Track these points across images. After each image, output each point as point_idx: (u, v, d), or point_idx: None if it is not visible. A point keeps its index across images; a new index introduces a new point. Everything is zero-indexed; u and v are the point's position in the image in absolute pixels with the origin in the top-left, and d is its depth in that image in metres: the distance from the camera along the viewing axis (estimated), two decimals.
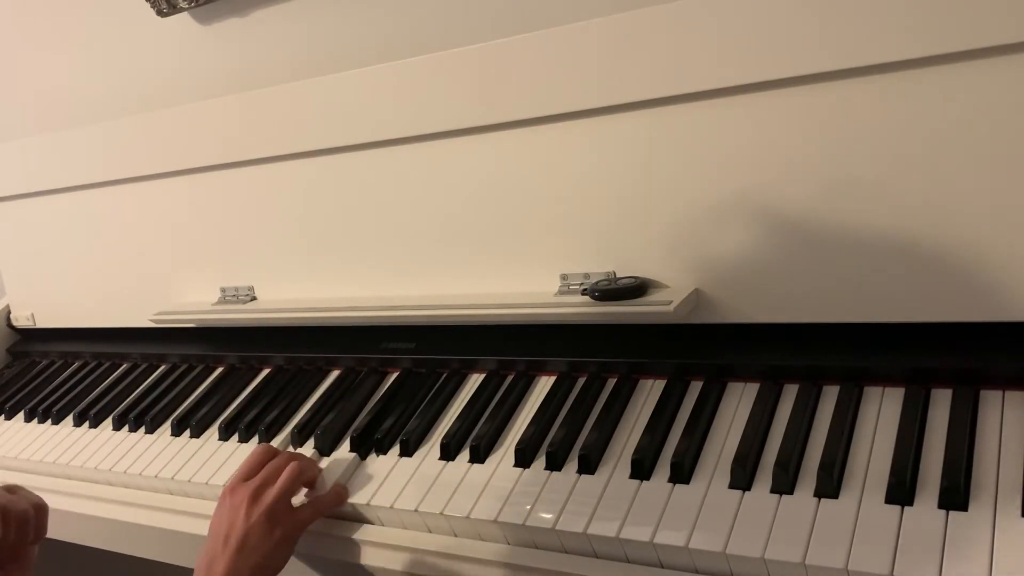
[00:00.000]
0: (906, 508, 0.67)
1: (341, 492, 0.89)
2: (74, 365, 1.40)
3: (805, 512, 0.70)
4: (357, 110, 1.05)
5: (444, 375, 1.03)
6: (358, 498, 0.89)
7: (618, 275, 0.93)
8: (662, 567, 0.73)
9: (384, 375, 1.08)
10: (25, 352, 1.50)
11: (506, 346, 1.00)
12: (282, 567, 0.84)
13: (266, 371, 1.18)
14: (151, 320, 1.24)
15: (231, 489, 0.87)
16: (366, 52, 1.12)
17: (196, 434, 1.09)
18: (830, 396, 0.80)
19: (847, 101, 0.78)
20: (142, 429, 1.15)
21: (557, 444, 0.84)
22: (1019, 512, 0.64)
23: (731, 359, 0.87)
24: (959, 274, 0.76)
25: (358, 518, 0.90)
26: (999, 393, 0.74)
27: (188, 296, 1.27)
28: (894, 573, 0.63)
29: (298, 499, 0.90)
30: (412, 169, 1.04)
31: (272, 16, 1.19)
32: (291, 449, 1.01)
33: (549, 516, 0.78)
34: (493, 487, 0.84)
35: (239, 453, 1.02)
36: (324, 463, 0.94)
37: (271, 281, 1.19)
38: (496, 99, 0.95)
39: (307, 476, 0.90)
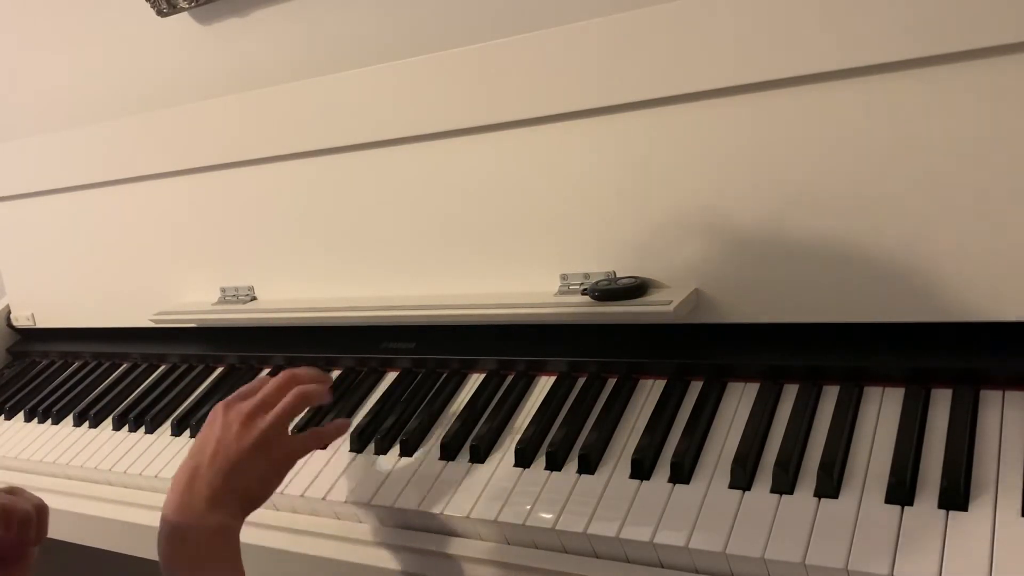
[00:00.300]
0: (906, 508, 0.67)
1: (341, 425, 0.85)
2: (74, 365, 1.40)
3: (805, 512, 0.70)
4: (357, 110, 1.05)
5: (444, 375, 1.03)
6: (358, 498, 0.89)
7: (618, 275, 0.93)
8: (662, 567, 0.73)
9: (384, 375, 1.08)
10: (25, 352, 1.50)
11: (506, 346, 1.00)
12: (266, 497, 0.80)
13: (266, 371, 1.18)
14: (151, 320, 1.25)
15: (226, 404, 0.82)
16: (366, 52, 1.12)
17: (196, 434, 1.09)
18: (830, 396, 0.80)
19: (847, 101, 0.78)
20: (142, 429, 1.15)
21: (557, 444, 0.84)
22: (1019, 512, 0.64)
23: (731, 359, 0.87)
24: (959, 274, 0.76)
25: (358, 518, 0.90)
26: (999, 393, 0.74)
27: (188, 296, 1.27)
28: (894, 573, 0.63)
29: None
30: (412, 169, 1.04)
31: (272, 16, 1.19)
32: None
33: (549, 516, 0.78)
34: (493, 487, 0.84)
35: None
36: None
37: (271, 281, 1.19)
38: (496, 99, 0.95)
39: (311, 403, 0.85)
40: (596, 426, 0.85)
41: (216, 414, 0.82)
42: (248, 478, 0.78)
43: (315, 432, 0.84)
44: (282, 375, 0.85)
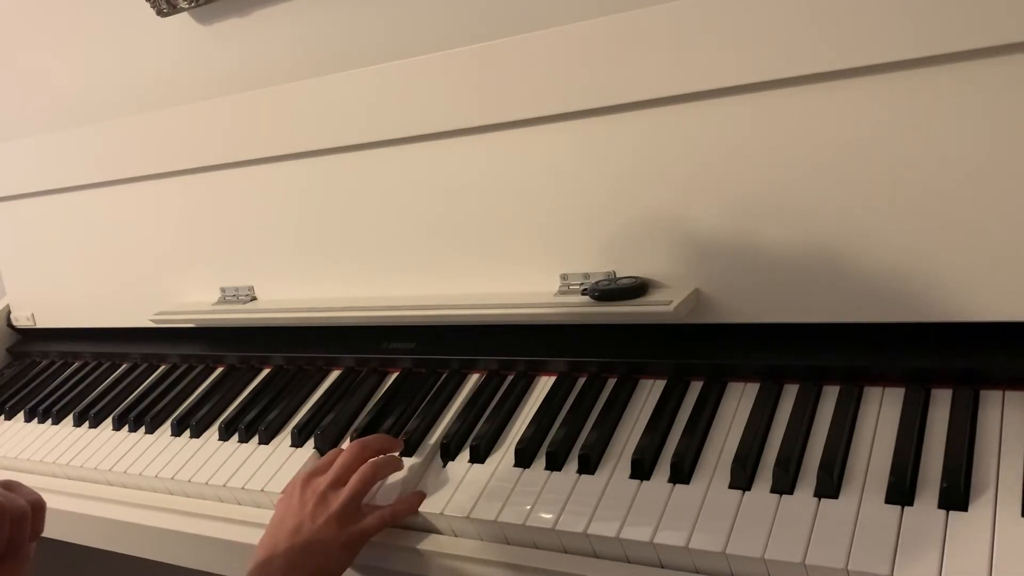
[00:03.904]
0: (906, 508, 0.67)
1: (414, 500, 0.85)
2: (74, 365, 1.40)
3: (805, 512, 0.70)
4: (357, 110, 1.05)
5: (444, 375, 1.03)
6: None
7: (618, 275, 0.93)
8: (662, 567, 0.73)
9: (384, 375, 1.08)
10: (25, 352, 1.50)
11: (506, 346, 1.00)
12: (340, 573, 0.82)
13: (266, 371, 1.18)
14: (151, 320, 1.25)
15: (303, 481, 0.85)
16: (366, 52, 1.12)
17: (196, 434, 1.09)
18: (830, 396, 0.80)
19: (847, 101, 0.78)
20: (142, 429, 1.15)
21: (557, 444, 0.84)
22: (1019, 512, 0.64)
23: (731, 359, 0.87)
24: (959, 274, 0.76)
25: None
26: (999, 393, 0.74)
27: (188, 296, 1.27)
28: (894, 573, 0.63)
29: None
30: (412, 169, 1.04)
31: (272, 16, 1.19)
32: (295, 450, 1.01)
33: (549, 516, 0.78)
34: (493, 487, 0.84)
35: (239, 453, 1.02)
36: None
37: (271, 281, 1.19)
38: (496, 99, 0.95)
39: (382, 476, 0.88)
40: (596, 426, 0.85)
41: (294, 489, 0.86)
42: (323, 555, 0.80)
43: (389, 509, 0.85)
44: (354, 446, 0.88)
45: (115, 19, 1.32)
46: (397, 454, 0.91)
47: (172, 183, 1.24)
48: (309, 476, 0.86)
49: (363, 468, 0.86)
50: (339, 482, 0.85)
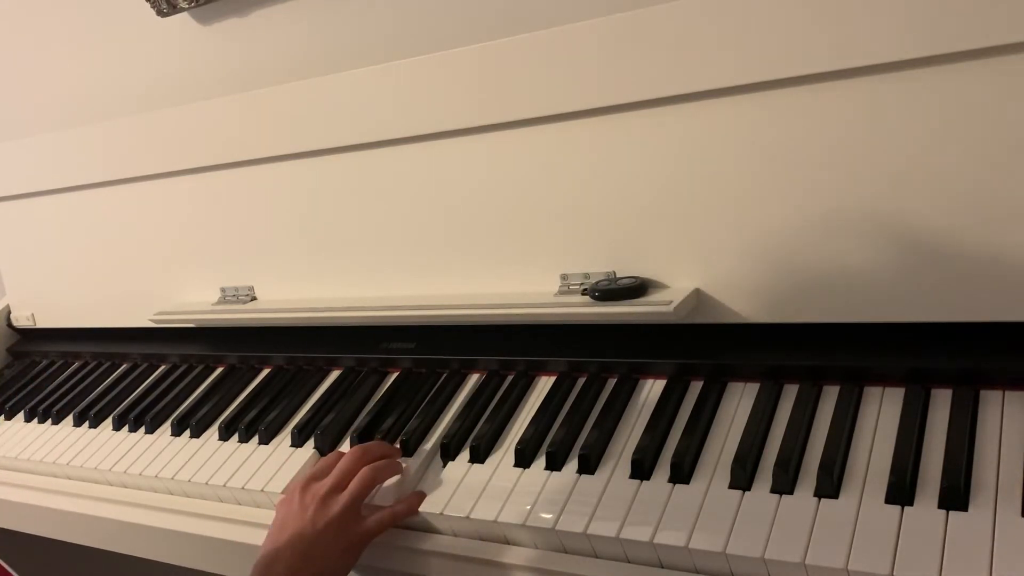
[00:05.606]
0: (906, 508, 0.67)
1: (414, 501, 0.86)
2: (74, 365, 1.40)
3: (805, 512, 0.70)
4: (357, 110, 1.05)
5: (444, 375, 1.03)
6: None
7: (618, 275, 0.93)
8: (662, 567, 0.73)
9: (384, 375, 1.08)
10: (25, 352, 1.50)
11: (506, 346, 1.00)
12: None
13: (266, 371, 1.18)
14: (151, 320, 1.25)
15: (303, 486, 0.86)
16: (366, 52, 1.12)
17: (196, 434, 1.09)
18: (830, 396, 0.80)
19: (848, 101, 0.78)
20: (142, 429, 1.15)
21: (557, 444, 0.84)
22: (1019, 512, 0.64)
23: (731, 359, 0.87)
24: (959, 274, 0.76)
25: None
26: (999, 393, 0.74)
27: (188, 296, 1.27)
28: (894, 573, 0.63)
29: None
30: (412, 169, 1.04)
31: (272, 16, 1.19)
32: (298, 451, 1.01)
33: (549, 516, 0.78)
34: (493, 487, 0.84)
35: (239, 453, 1.02)
36: None
37: (271, 281, 1.19)
38: (496, 99, 0.95)
39: (382, 480, 0.88)
40: (596, 426, 0.85)
41: (292, 495, 0.86)
42: (325, 560, 0.81)
43: (389, 511, 0.85)
44: (354, 452, 0.89)
45: (115, 19, 1.32)
46: (397, 458, 0.91)
47: (172, 183, 1.24)
48: (309, 480, 0.86)
49: (363, 472, 0.86)
50: (339, 487, 0.85)
